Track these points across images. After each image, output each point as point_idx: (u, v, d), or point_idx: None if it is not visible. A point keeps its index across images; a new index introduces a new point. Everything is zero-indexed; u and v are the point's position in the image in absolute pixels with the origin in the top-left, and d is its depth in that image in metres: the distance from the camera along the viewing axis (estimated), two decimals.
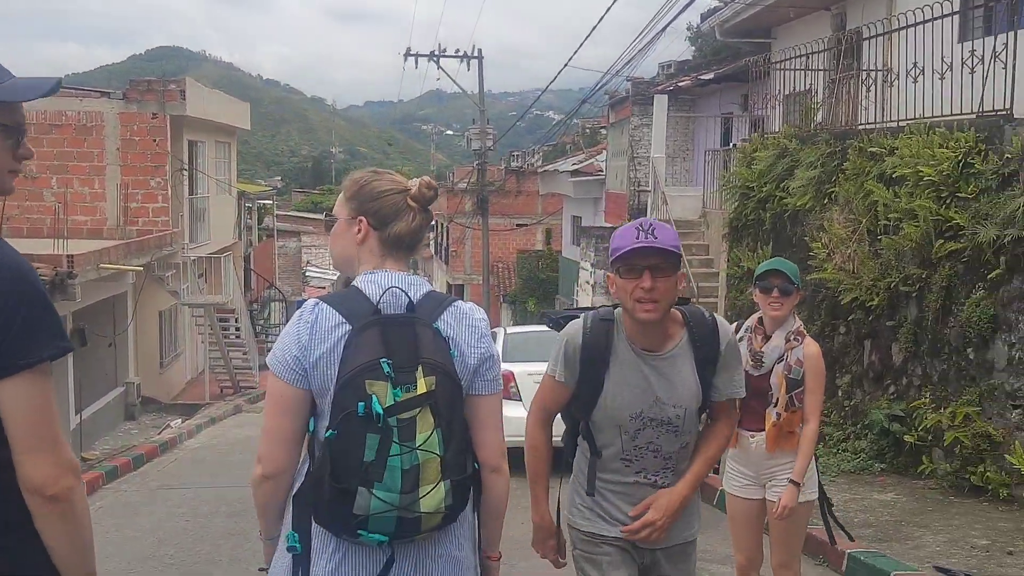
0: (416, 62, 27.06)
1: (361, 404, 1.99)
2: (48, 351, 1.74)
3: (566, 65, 18.57)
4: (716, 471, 4.35)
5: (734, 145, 15.02)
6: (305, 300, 2.28)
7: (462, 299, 2.38)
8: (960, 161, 7.10)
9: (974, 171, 7.00)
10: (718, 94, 17.99)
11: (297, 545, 2.14)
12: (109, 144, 19.14)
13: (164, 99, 19.19)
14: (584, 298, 18.50)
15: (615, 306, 2.95)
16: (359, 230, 2.26)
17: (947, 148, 7.22)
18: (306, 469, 2.17)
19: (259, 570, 2.42)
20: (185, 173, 20.58)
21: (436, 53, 26.85)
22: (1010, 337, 6.60)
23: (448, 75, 26.88)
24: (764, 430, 3.91)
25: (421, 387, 2.04)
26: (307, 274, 53.79)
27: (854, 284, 8.25)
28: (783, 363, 3.90)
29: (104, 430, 15.44)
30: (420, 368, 2.06)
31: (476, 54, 26.85)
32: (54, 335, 1.76)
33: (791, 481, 3.82)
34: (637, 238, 2.64)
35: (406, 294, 2.19)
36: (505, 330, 11.48)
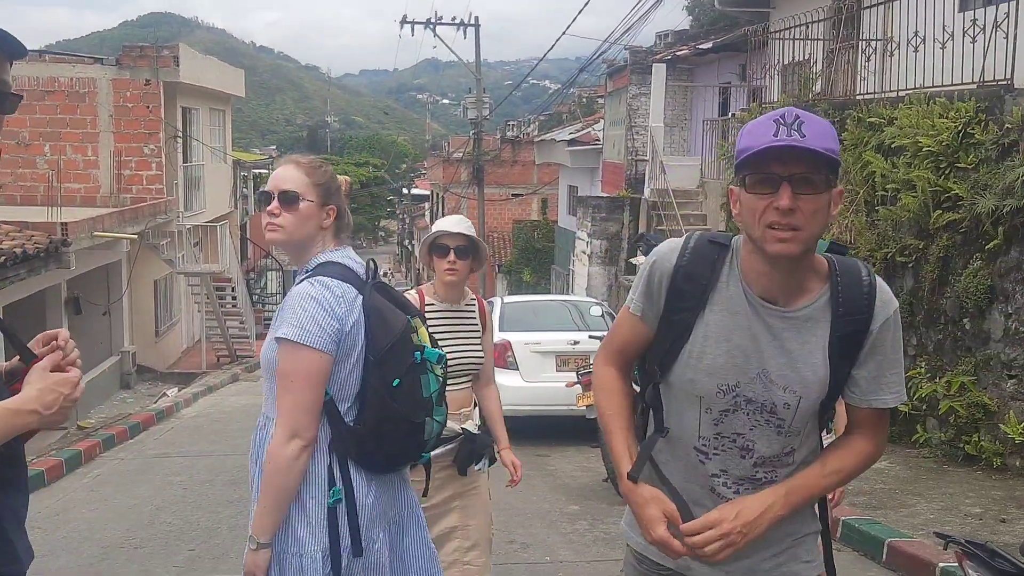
0: (412, 30, 26.86)
1: (417, 353, 2.43)
2: None
3: (563, 34, 18.46)
4: None
5: (732, 115, 14.96)
6: (308, 271, 2.46)
7: None
8: (960, 131, 7.08)
9: (974, 141, 6.98)
10: (716, 64, 17.89)
11: (341, 497, 2.38)
12: (102, 111, 19.00)
13: (157, 65, 19.04)
14: (580, 268, 18.51)
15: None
16: (327, 216, 2.52)
17: (947, 118, 7.20)
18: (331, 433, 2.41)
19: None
20: (179, 140, 20.46)
21: (432, 21, 26.64)
22: (1007, 308, 6.62)
23: (444, 43, 26.71)
24: None
25: (423, 331, 2.53)
26: None
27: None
28: None
29: (99, 399, 15.45)
30: (416, 317, 2.53)
31: (473, 22, 26.64)
32: None
33: None
34: (776, 134, 1.84)
35: (364, 266, 2.55)
36: (502, 299, 11.48)
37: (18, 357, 1.98)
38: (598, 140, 23.96)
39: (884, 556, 5.13)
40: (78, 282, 15.03)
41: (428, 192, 49.96)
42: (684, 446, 2.07)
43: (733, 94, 17.19)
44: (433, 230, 3.76)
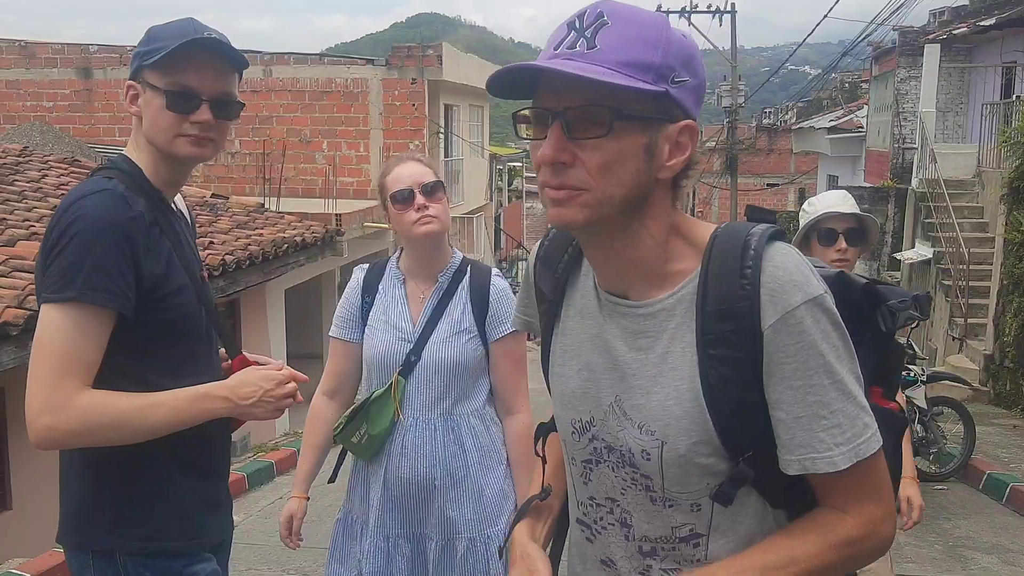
0: (667, 18, 26.60)
1: None
2: (70, 292, 1.72)
3: (826, 16, 17.61)
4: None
5: (1017, 97, 13.64)
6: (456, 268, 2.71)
7: None
8: None
9: None
10: (999, 41, 16.37)
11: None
12: (373, 109, 20.29)
13: (422, 65, 20.07)
14: None
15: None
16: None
17: None
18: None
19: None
20: (441, 136, 21.49)
21: (688, 9, 26.26)
22: None
23: (699, 31, 26.24)
24: None
25: None
26: None
27: None
28: None
29: None
30: None
31: (729, 8, 25.99)
32: (73, 281, 1.72)
33: None
34: (559, 46, 1.25)
35: None
36: None
37: (225, 351, 2.07)
38: (860, 127, 22.70)
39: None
40: (350, 269, 16.19)
41: None
42: (572, 514, 1.51)
43: (1019, 74, 15.67)
44: (809, 211, 3.00)
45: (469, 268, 2.66)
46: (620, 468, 1.36)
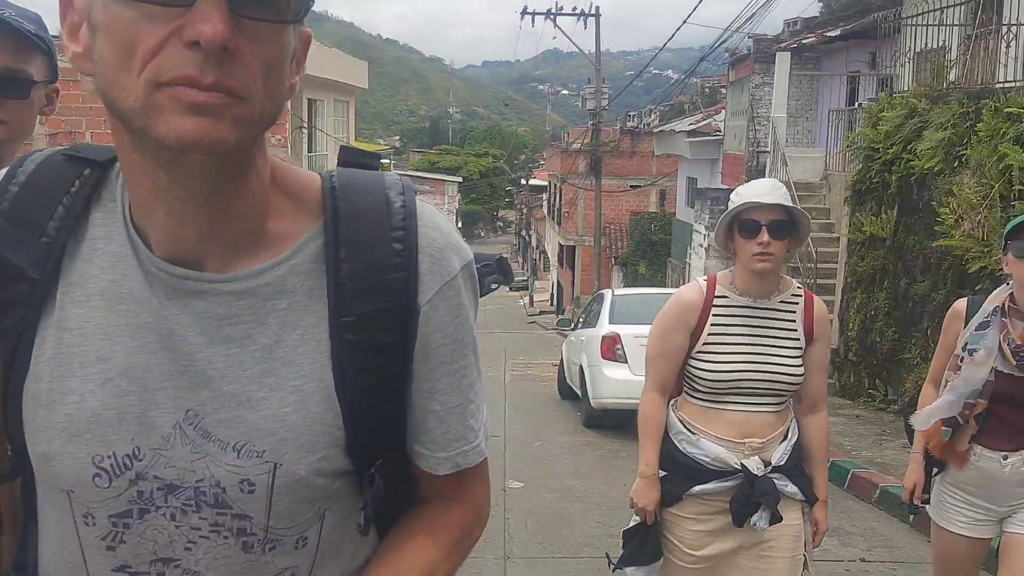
0: (533, 20, 26.94)
1: None
2: None
3: (684, 22, 18.13)
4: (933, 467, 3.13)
5: (860, 105, 14.40)
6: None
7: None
8: None
9: None
10: (845, 51, 17.27)
11: None
12: None
13: None
14: (697, 262, 18.18)
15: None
16: None
17: None
18: None
19: None
20: (304, 131, 21.05)
21: (553, 11, 26.64)
22: None
23: (564, 33, 26.64)
24: (1022, 450, 2.90)
25: None
26: None
27: (983, 252, 7.82)
28: None
29: None
30: None
31: (594, 12, 26.49)
32: None
33: None
34: None
35: None
36: (613, 292, 11.38)
37: None
38: (719, 131, 23.48)
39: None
40: None
41: (546, 183, 50.06)
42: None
43: (862, 83, 16.56)
44: (735, 200, 2.73)
45: None
46: (190, 514, 0.96)
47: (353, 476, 1.02)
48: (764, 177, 16.20)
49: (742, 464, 2.69)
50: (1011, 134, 7.71)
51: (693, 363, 2.78)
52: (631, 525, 2.87)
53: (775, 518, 2.67)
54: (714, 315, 2.77)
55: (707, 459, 2.72)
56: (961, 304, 3.08)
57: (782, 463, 2.73)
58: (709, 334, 2.76)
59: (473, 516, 1.13)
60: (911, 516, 2.94)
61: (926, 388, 3.23)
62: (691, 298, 2.81)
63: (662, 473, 2.79)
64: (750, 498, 2.66)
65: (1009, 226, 2.86)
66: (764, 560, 2.74)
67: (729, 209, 2.72)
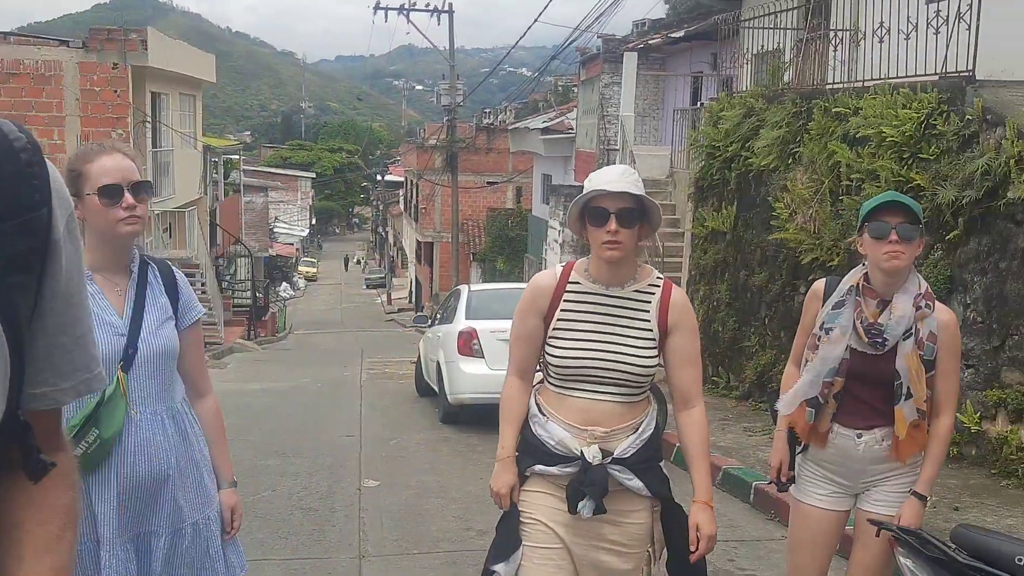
0: (386, 16, 26.73)
1: None
2: None
3: (535, 21, 18.38)
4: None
5: (702, 104, 14.97)
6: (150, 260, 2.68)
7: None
8: (922, 122, 7.11)
9: (936, 132, 7.01)
10: (689, 52, 17.90)
11: None
12: (68, 94, 18.71)
13: (125, 49, 18.76)
14: (553, 257, 18.49)
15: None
16: None
17: (910, 109, 7.22)
18: None
19: None
20: (148, 125, 20.21)
21: (406, 7, 26.50)
22: (965, 298, 6.66)
23: (418, 29, 26.59)
24: (875, 428, 2.97)
25: None
26: (274, 230, 53.29)
27: (815, 244, 8.28)
28: (912, 339, 2.91)
29: None
30: None
31: (447, 8, 26.49)
32: None
33: (915, 494, 2.96)
34: None
35: None
36: (469, 287, 11.44)
37: None
38: (571, 129, 23.93)
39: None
40: None
41: (402, 179, 49.76)
42: None
43: (704, 83, 17.22)
44: (587, 187, 2.69)
45: (149, 260, 2.71)
46: None
47: None
48: None
49: (581, 451, 2.68)
50: (839, 132, 8.19)
51: (547, 348, 2.80)
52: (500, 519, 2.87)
53: (599, 509, 2.64)
54: (565, 300, 2.76)
55: (552, 442, 2.72)
56: (820, 284, 3.17)
57: (626, 456, 2.67)
58: (559, 319, 2.76)
59: (69, 486, 1.09)
60: (781, 492, 3.05)
61: (788, 369, 3.30)
62: (544, 283, 2.82)
63: (517, 455, 2.82)
64: (581, 485, 2.65)
65: (865, 208, 2.98)
66: (605, 552, 2.73)
67: (579, 196, 2.69)
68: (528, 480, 2.80)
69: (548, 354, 2.78)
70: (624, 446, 2.68)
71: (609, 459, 2.67)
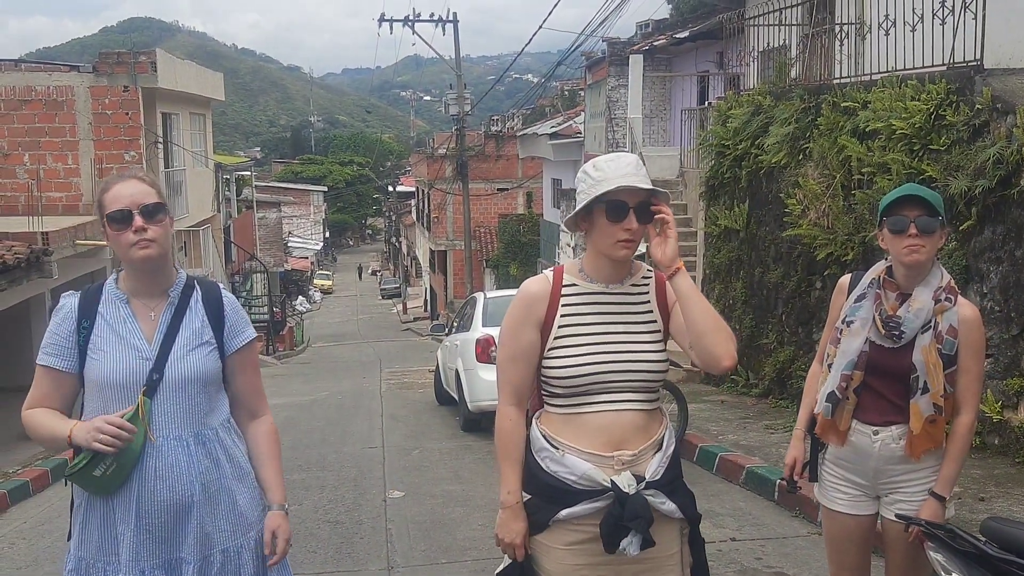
0: (391, 27, 26.86)
1: None
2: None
3: (540, 27, 18.43)
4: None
5: (709, 103, 14.98)
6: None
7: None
8: (932, 113, 7.10)
9: (945, 123, 7.01)
10: (694, 52, 17.91)
11: None
12: (80, 119, 18.89)
13: (135, 71, 18.92)
14: (566, 261, 18.53)
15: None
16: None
17: (919, 100, 7.22)
18: None
19: None
20: (160, 146, 20.37)
21: (411, 18, 26.61)
22: (982, 287, 6.65)
23: (423, 40, 26.69)
24: (893, 425, 2.93)
25: None
26: (288, 244, 53.51)
27: (829, 239, 8.28)
28: (931, 332, 2.87)
29: None
30: None
31: (451, 18, 26.60)
32: None
33: (933, 494, 2.92)
34: None
35: None
36: (485, 295, 11.48)
37: None
38: (579, 133, 23.96)
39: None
40: (62, 291, 14.94)
41: (413, 189, 49.88)
42: None
43: (711, 82, 17.22)
44: (596, 176, 2.49)
45: (196, 283, 2.70)
46: None
47: None
48: None
49: (612, 481, 2.40)
50: (848, 127, 8.19)
51: (547, 363, 2.50)
52: (501, 568, 2.56)
53: (647, 543, 2.39)
54: (563, 305, 2.51)
55: (573, 478, 2.43)
56: (845, 279, 3.13)
57: (657, 477, 2.45)
58: (560, 327, 2.50)
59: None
60: (789, 493, 2.94)
61: (813, 367, 3.26)
62: (537, 289, 2.55)
63: (526, 497, 2.50)
64: (620, 520, 2.37)
65: (884, 202, 2.93)
66: None
67: (600, 190, 2.45)
68: (546, 531, 2.47)
69: (554, 368, 2.48)
70: (653, 467, 2.46)
71: (643, 484, 2.42)
